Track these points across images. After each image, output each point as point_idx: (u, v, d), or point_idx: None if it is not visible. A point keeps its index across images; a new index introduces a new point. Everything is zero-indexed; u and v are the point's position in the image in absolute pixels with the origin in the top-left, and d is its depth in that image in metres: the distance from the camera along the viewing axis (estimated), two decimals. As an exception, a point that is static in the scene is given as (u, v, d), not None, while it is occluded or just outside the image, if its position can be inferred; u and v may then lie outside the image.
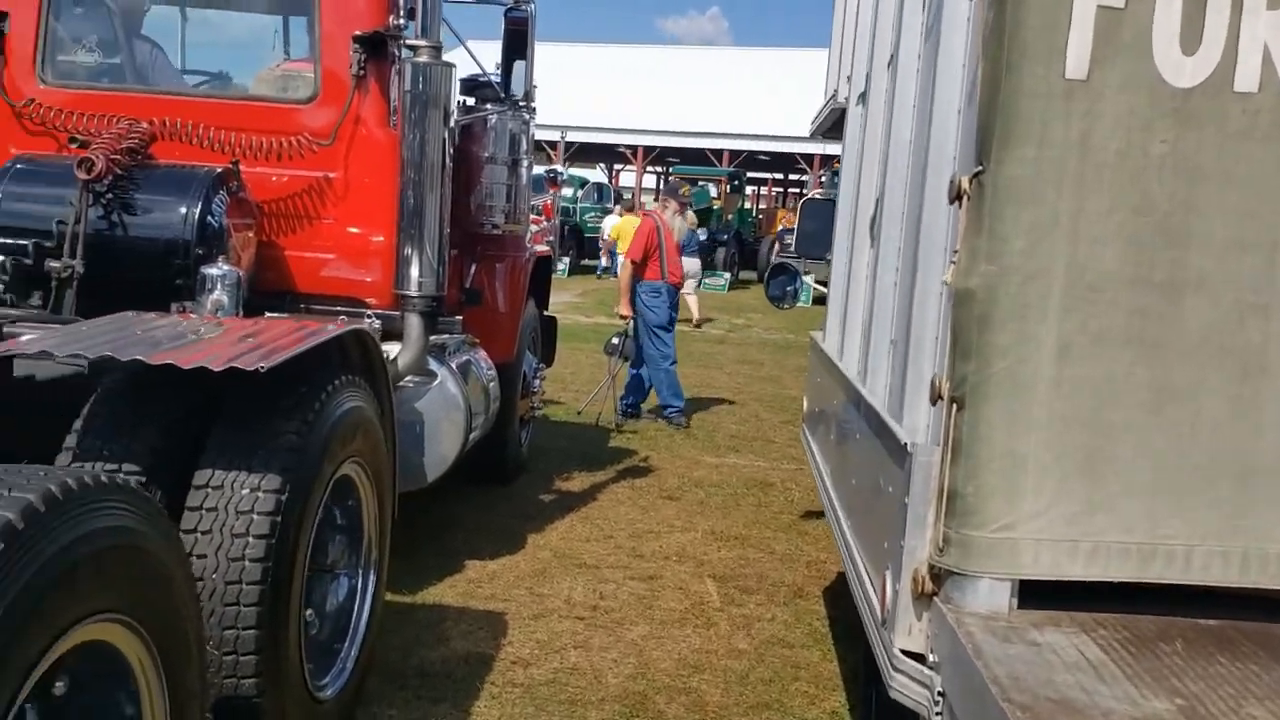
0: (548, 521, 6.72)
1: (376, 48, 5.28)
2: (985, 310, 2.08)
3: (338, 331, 3.90)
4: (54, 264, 4.69)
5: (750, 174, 36.93)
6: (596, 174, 39.52)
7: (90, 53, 5.56)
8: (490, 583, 5.66)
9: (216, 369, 3.10)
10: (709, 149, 35.78)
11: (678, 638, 5.14)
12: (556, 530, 6.59)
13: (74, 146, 4.83)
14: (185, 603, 2.63)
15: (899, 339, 2.75)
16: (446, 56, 5.70)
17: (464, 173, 6.43)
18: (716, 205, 29.01)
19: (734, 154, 34.48)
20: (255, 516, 3.30)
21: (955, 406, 2.11)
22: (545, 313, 8.31)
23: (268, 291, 5.41)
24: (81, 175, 4.70)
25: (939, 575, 2.18)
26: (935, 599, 2.20)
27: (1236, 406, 2.10)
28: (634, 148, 37.65)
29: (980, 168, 2.08)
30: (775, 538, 6.81)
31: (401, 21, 5.23)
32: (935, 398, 2.19)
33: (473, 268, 6.82)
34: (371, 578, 4.26)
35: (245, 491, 3.32)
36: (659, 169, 37.96)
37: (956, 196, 2.14)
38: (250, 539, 3.28)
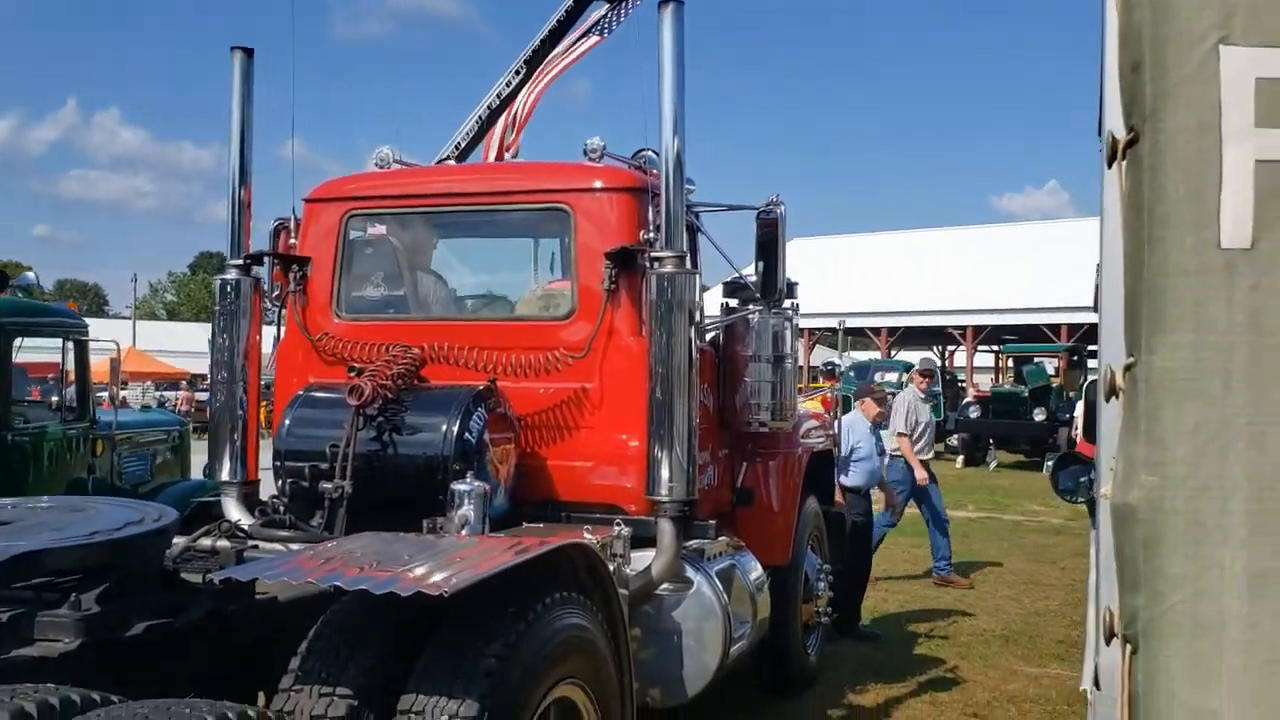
0: (831, 739, 6.25)
1: (626, 262, 5.45)
2: (1150, 531, 1.70)
3: (538, 550, 3.86)
4: (325, 485, 5.03)
5: (1092, 347, 34.88)
6: (928, 358, 38.68)
7: (377, 288, 6.09)
8: (760, 809, 5.27)
9: (377, 592, 3.14)
10: (1044, 324, 34.21)
11: None
12: (840, 749, 6.10)
13: (352, 375, 5.22)
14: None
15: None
16: (705, 263, 5.81)
17: (728, 373, 6.42)
18: (1055, 383, 27.40)
19: (1073, 328, 32.72)
20: (453, 744, 3.24)
21: (1129, 648, 1.72)
22: (832, 509, 7.98)
23: (532, 501, 5.55)
24: (351, 401, 5.07)
25: None
26: None
27: None
28: (963, 328, 36.69)
29: (1131, 359, 1.74)
30: (1093, 764, 5.96)
31: (651, 236, 5.36)
32: (1109, 635, 1.80)
33: (743, 467, 6.69)
34: (603, 806, 4.06)
35: (444, 718, 3.28)
36: (995, 348, 36.65)
37: (1110, 391, 1.80)
38: (450, 768, 3.22)
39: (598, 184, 5.64)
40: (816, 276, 37.79)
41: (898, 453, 10.56)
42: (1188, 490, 1.69)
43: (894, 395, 10.06)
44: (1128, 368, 1.76)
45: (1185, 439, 1.69)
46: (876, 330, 39.00)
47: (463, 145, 7.47)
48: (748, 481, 6.67)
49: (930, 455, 11.17)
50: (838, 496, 8.56)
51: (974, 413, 26.38)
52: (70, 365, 8.31)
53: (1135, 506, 1.72)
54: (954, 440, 26.89)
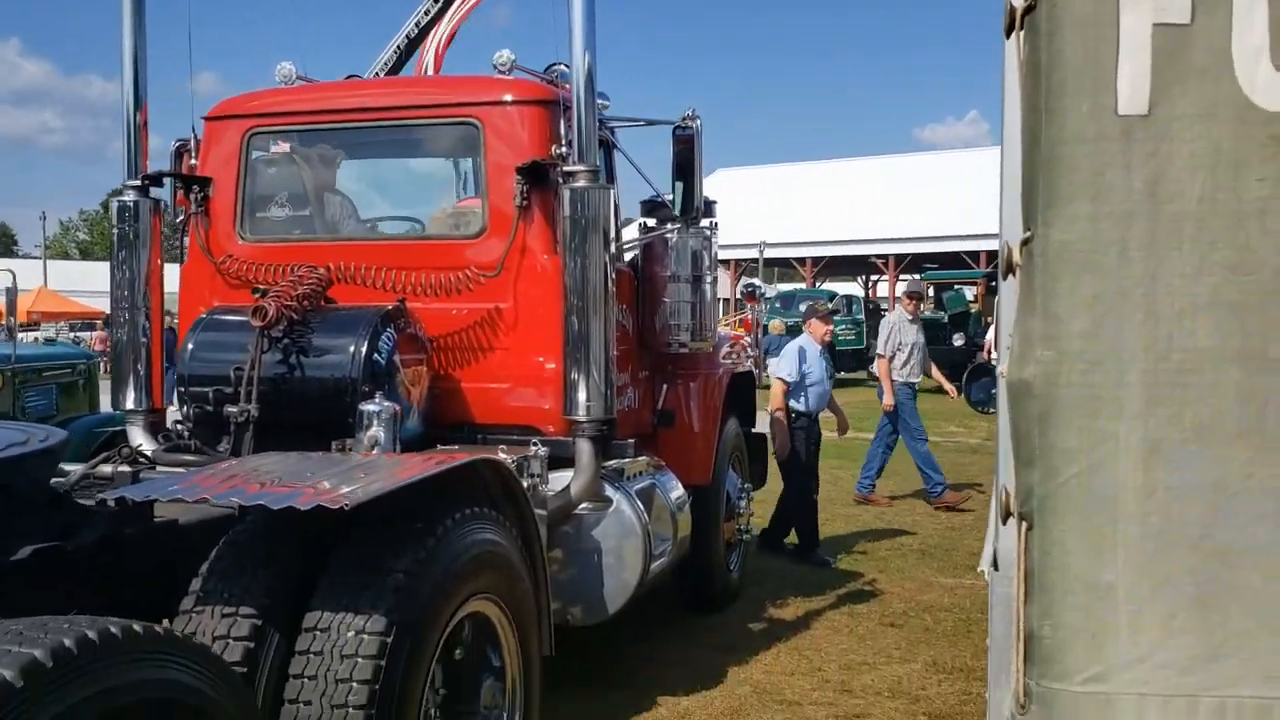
0: (753, 653, 6.32)
1: (537, 177, 5.32)
2: (1046, 406, 1.68)
3: (446, 465, 3.78)
4: (231, 409, 4.89)
5: (1013, 274, 35.42)
6: (852, 288, 39.13)
7: (282, 208, 5.89)
8: (679, 722, 5.32)
9: (275, 507, 3.05)
10: (964, 251, 34.69)
11: (874, 786, 4.61)
12: (760, 663, 6.17)
13: (256, 296, 5.05)
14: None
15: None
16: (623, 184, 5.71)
17: (647, 294, 6.35)
18: (974, 309, 27.86)
19: (991, 255, 33.25)
20: (359, 660, 3.18)
21: (1025, 525, 1.71)
22: (753, 430, 8.01)
23: (447, 424, 5.46)
24: (255, 322, 4.91)
25: (1033, 738, 1.75)
26: (1034, 768, 1.76)
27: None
28: (885, 257, 37.07)
29: (1029, 233, 1.71)
30: (1005, 669, 6.10)
31: (563, 150, 5.23)
32: (1005, 514, 1.79)
33: (664, 388, 6.66)
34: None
35: (350, 634, 3.22)
36: (915, 276, 37.14)
37: (1007, 269, 1.77)
38: (354, 684, 3.16)
39: (507, 96, 5.48)
40: (741, 207, 37.95)
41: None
42: (1083, 364, 1.67)
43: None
44: (1024, 242, 1.73)
45: (1082, 312, 1.66)
46: (801, 260, 39.27)
47: (382, 76, 7.24)
48: (668, 403, 6.64)
49: (919, 379, 11.06)
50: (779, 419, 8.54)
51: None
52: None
53: (1031, 382, 1.70)
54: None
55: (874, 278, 43.24)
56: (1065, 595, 1.66)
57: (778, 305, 31.03)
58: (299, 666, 3.21)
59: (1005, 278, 1.80)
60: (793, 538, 8.91)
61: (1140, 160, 1.64)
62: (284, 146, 5.87)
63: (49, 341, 13.35)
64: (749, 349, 8.07)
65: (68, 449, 3.33)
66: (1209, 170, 1.63)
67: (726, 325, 9.97)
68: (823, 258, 38.52)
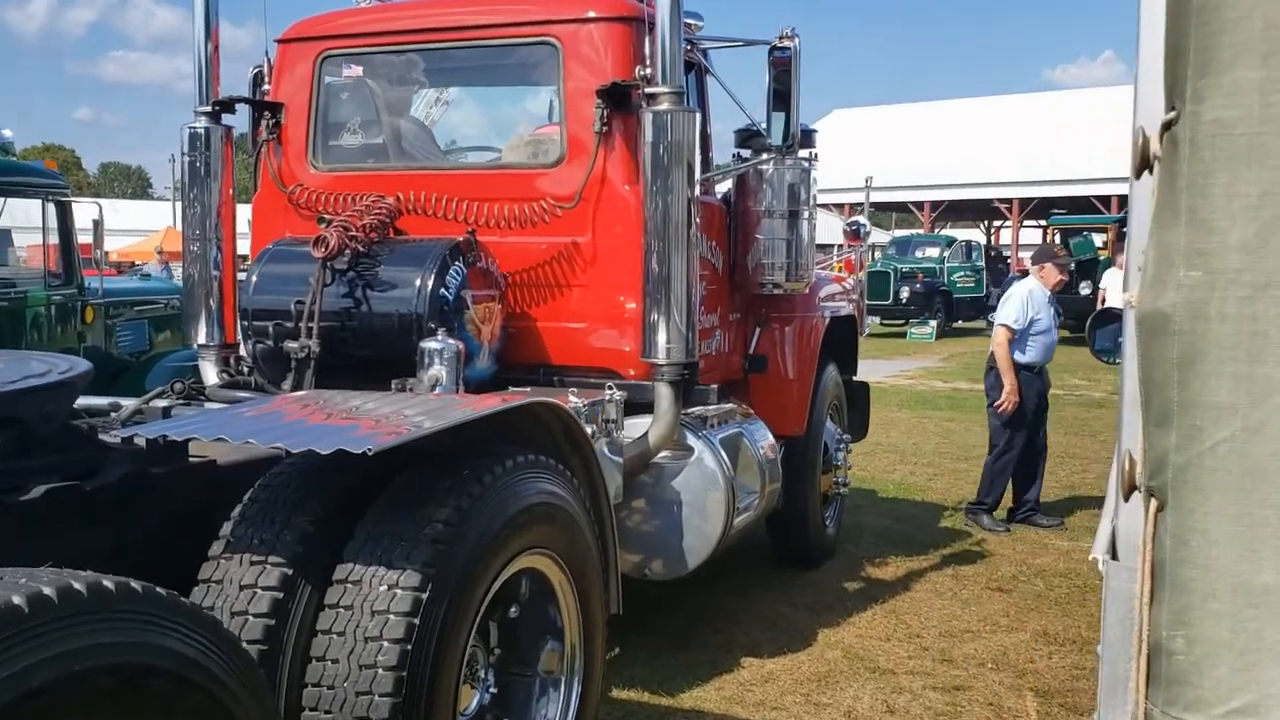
0: (846, 615, 5.93)
1: (619, 101, 4.94)
2: (1190, 345, 1.25)
3: (491, 408, 3.45)
4: (291, 345, 4.66)
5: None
6: (974, 233, 37.77)
7: (355, 135, 5.62)
8: (763, 685, 4.98)
9: (294, 449, 2.77)
10: (1094, 196, 33.08)
11: (972, 769, 4.21)
12: (854, 626, 5.78)
13: (321, 227, 4.79)
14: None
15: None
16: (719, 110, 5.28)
17: (740, 230, 5.93)
18: (1103, 255, 26.50)
19: (1124, 199, 31.64)
20: (391, 617, 2.90)
21: (1155, 504, 1.29)
22: (854, 379, 7.54)
23: (522, 364, 5.17)
24: (316, 253, 4.68)
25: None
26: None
27: None
28: (1009, 201, 35.63)
29: (1173, 112, 1.27)
30: (1123, 642, 5.59)
31: (647, 72, 4.82)
32: (1129, 489, 1.37)
33: (757, 332, 6.25)
34: (576, 685, 3.74)
35: (383, 588, 2.93)
36: (1041, 223, 35.55)
37: (1142, 164, 1.33)
38: (384, 643, 2.88)
39: (590, 13, 5.08)
40: (856, 149, 36.75)
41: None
42: (1244, 288, 1.22)
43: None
44: (1166, 125, 1.28)
45: (1244, 218, 1.21)
46: (919, 204, 38.00)
47: None
48: (761, 347, 6.25)
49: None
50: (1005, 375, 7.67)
51: (1017, 288, 25.68)
52: (52, 227, 7.93)
53: (1169, 314, 1.27)
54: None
55: (996, 223, 41.67)
56: (1206, 600, 1.24)
57: (892, 251, 30.13)
58: (326, 622, 2.95)
59: (1139, 176, 1.36)
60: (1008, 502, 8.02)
61: (1336, 5, 1.18)
62: (357, 70, 5.60)
63: (144, 277, 13.48)
64: (851, 292, 7.56)
65: (88, 381, 3.07)
66: None
67: (827, 267, 9.39)
68: (942, 202, 37.16)
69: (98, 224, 8.29)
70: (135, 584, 2.10)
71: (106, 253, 9.32)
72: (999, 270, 31.47)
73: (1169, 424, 1.27)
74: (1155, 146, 1.30)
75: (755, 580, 6.43)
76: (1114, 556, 1.50)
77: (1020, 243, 37.74)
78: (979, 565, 6.97)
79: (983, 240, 35.77)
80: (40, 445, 2.98)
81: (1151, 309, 1.28)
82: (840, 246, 23.04)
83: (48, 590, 1.92)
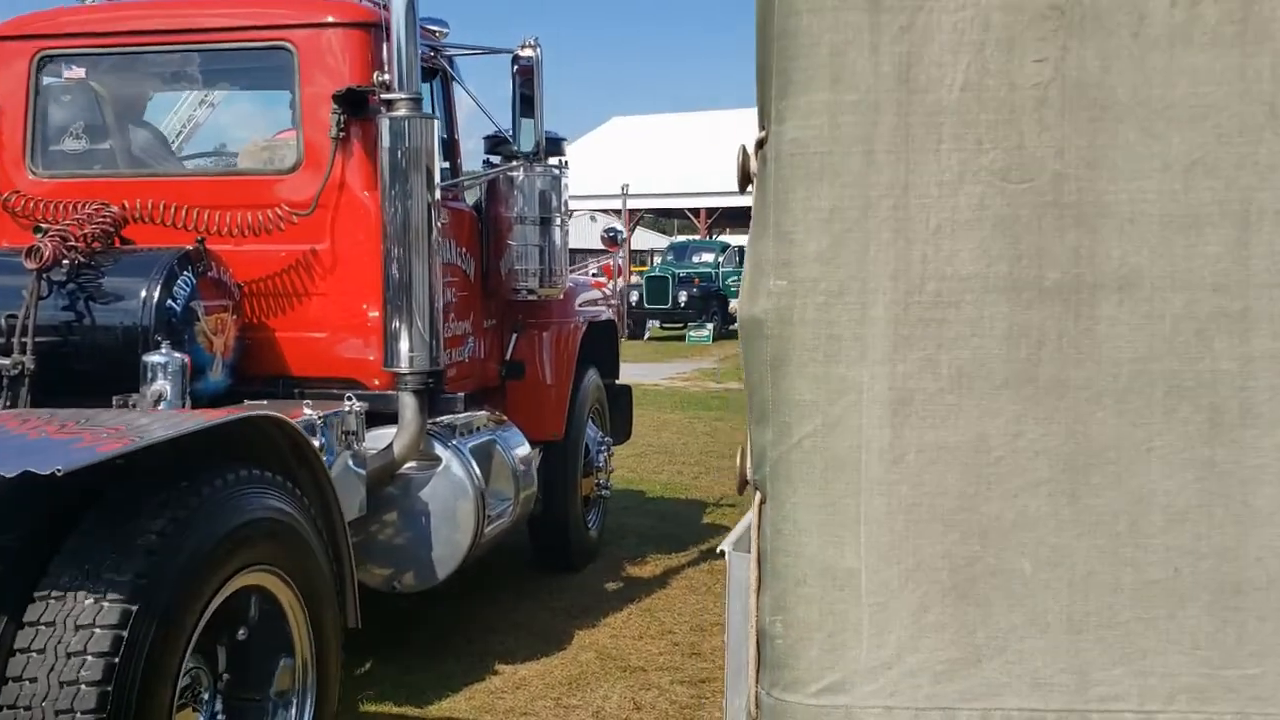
0: (602, 615, 6.02)
1: (356, 107, 4.87)
2: (779, 349, 1.34)
3: (197, 424, 3.36)
4: (3, 361, 4.38)
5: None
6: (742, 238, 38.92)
7: (78, 140, 5.32)
8: (515, 692, 4.99)
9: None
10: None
11: (712, 758, 4.35)
12: (609, 626, 5.87)
13: (36, 236, 4.52)
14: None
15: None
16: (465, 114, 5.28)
17: (491, 236, 5.95)
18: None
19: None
20: (96, 631, 2.78)
21: (759, 496, 1.38)
22: (617, 382, 7.67)
23: (261, 376, 5.02)
24: (29, 264, 4.39)
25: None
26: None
27: (1205, 479, 1.28)
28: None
29: (762, 132, 1.36)
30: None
31: (385, 77, 4.77)
32: (741, 483, 1.46)
33: (513, 338, 6.29)
34: (309, 703, 3.66)
35: (88, 602, 2.81)
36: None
37: (744, 180, 1.42)
38: (88, 657, 2.75)
39: (328, 18, 5.00)
40: (634, 155, 37.34)
41: None
42: (820, 295, 1.32)
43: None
44: (759, 144, 1.38)
45: (818, 230, 1.32)
46: (695, 211, 38.96)
47: None
48: (517, 354, 6.28)
49: None
50: None
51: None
52: None
53: (763, 319, 1.36)
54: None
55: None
56: (798, 585, 1.33)
57: (670, 257, 30.81)
58: (25, 640, 2.81)
59: (743, 190, 1.45)
60: None
61: (891, 36, 1.30)
62: (79, 72, 5.30)
63: None
64: (611, 297, 7.70)
65: None
66: (976, 51, 1.29)
67: (587, 272, 9.55)
68: (716, 209, 38.20)
69: None
70: None
71: None
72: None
73: (766, 421, 1.36)
74: (753, 163, 1.39)
75: (513, 586, 6.45)
76: (744, 548, 1.59)
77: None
78: (735, 560, 7.21)
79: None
80: None
81: (748, 315, 1.36)
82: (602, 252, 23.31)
83: None
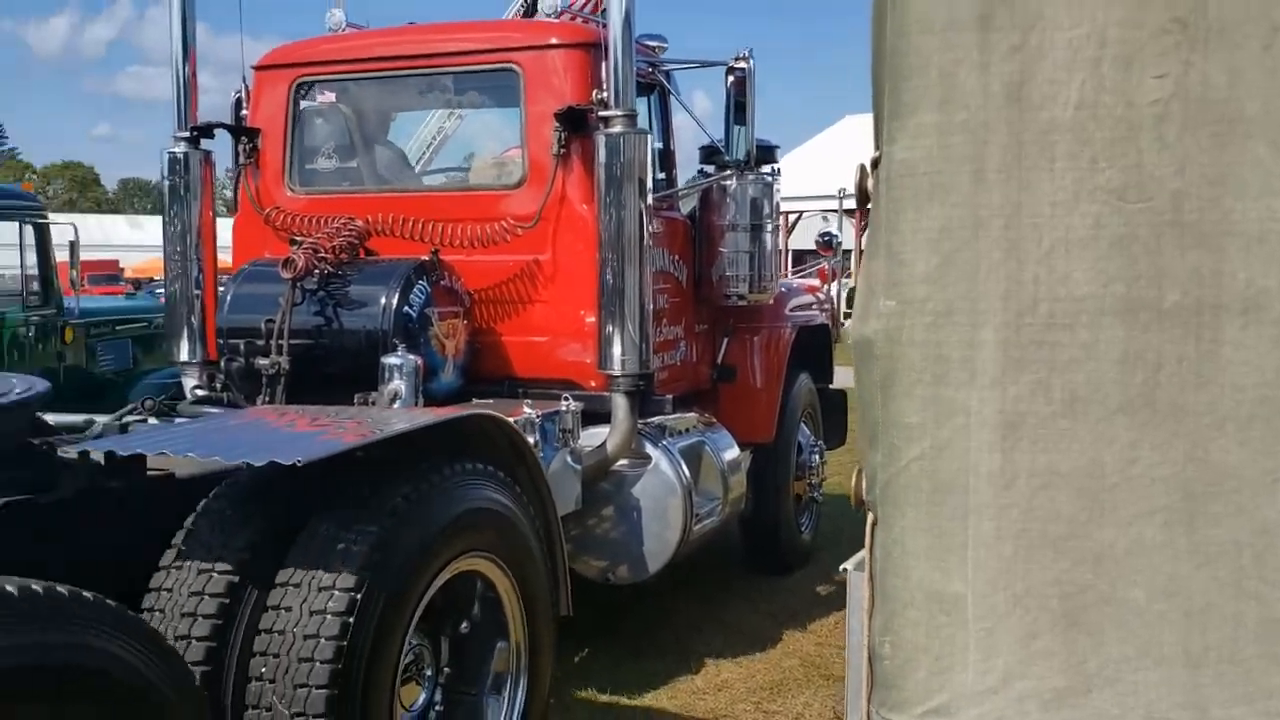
0: (810, 621, 6.01)
1: (576, 124, 5.10)
2: (888, 370, 1.35)
3: (423, 422, 3.62)
4: (262, 362, 4.85)
5: None
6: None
7: (329, 159, 5.80)
8: (716, 694, 5.08)
9: (227, 462, 2.93)
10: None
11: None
12: (816, 633, 5.86)
13: (292, 248, 4.98)
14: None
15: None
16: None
17: (704, 243, 6.07)
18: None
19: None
20: (327, 616, 3.07)
21: (871, 518, 1.39)
22: (830, 386, 7.62)
23: (489, 378, 5.33)
24: (285, 274, 4.85)
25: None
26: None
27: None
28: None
29: (876, 152, 1.37)
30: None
31: (603, 95, 4.98)
32: (857, 502, 1.47)
33: (724, 343, 6.38)
34: (522, 686, 3.88)
35: (320, 590, 3.10)
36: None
37: (862, 198, 1.43)
38: (321, 640, 3.05)
39: (551, 40, 5.26)
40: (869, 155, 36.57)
41: None
42: (928, 315, 1.34)
43: None
44: (874, 164, 1.40)
45: (927, 250, 1.33)
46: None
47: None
48: (729, 358, 6.39)
49: None
50: None
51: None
52: (30, 249, 8.14)
53: (873, 340, 1.39)
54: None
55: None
56: (906, 608, 1.34)
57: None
58: (268, 621, 3.14)
59: (861, 208, 1.47)
60: None
61: (1001, 55, 1.29)
62: (329, 96, 5.78)
63: (129, 295, 13.74)
64: (825, 301, 7.66)
65: (46, 401, 3.27)
66: (1091, 68, 1.26)
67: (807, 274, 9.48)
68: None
69: (74, 244, 8.52)
70: (62, 588, 2.27)
71: (100, 272, 9.48)
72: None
73: (876, 443, 1.38)
74: (868, 184, 1.41)
75: (723, 587, 6.53)
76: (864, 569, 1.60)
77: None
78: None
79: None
80: (-1, 462, 3.14)
81: (859, 335, 1.39)
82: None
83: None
